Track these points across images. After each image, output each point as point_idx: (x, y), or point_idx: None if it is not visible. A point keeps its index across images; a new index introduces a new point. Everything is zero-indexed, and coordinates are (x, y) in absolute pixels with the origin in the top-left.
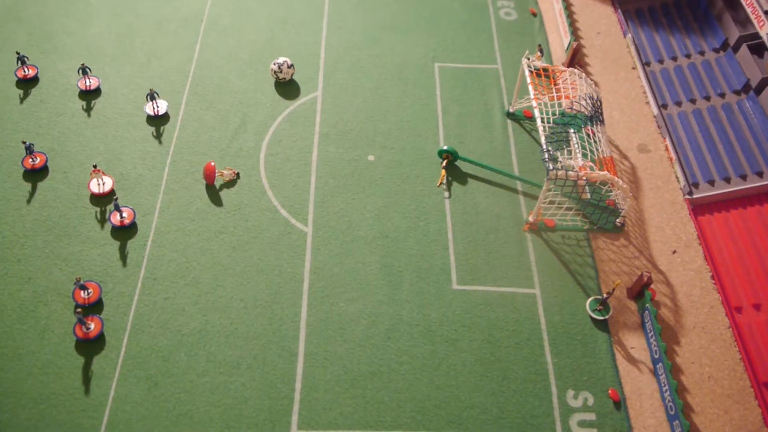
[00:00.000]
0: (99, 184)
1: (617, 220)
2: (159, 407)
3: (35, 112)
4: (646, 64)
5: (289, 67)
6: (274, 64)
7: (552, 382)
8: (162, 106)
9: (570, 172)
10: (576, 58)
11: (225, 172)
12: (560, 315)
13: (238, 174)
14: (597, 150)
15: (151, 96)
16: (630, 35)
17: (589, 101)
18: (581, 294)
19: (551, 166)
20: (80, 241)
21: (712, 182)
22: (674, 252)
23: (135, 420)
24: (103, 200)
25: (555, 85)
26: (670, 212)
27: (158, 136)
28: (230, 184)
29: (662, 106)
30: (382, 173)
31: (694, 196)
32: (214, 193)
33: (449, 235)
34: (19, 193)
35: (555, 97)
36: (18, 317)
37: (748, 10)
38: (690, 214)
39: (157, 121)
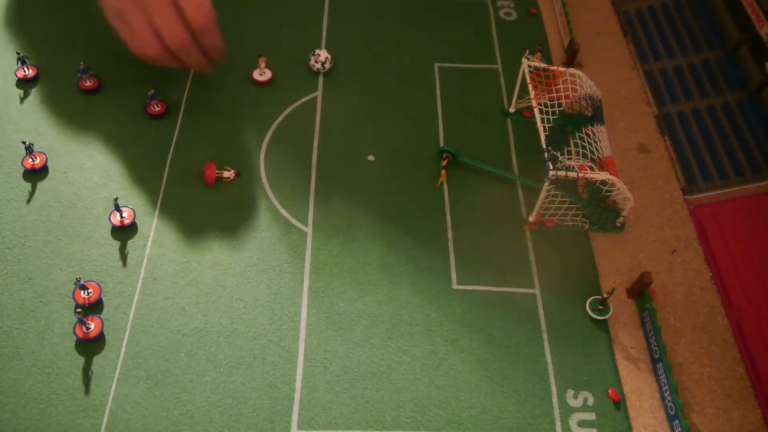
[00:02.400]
0: (260, 74)
1: (617, 220)
2: (159, 407)
3: (35, 112)
4: (645, 64)
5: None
6: (316, 61)
7: (552, 382)
8: (162, 107)
9: (570, 172)
10: (576, 58)
11: (225, 172)
12: (560, 315)
13: (238, 174)
14: (597, 150)
15: (151, 96)
16: (630, 35)
17: (589, 101)
18: (581, 294)
19: (551, 166)
20: (80, 241)
21: (711, 182)
22: (674, 252)
23: (135, 420)
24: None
25: (555, 85)
26: (670, 212)
27: (158, 136)
28: (230, 184)
29: (662, 106)
30: (382, 173)
31: (694, 196)
32: (214, 193)
33: (449, 235)
34: (19, 193)
35: (555, 97)
36: (18, 317)
37: (748, 10)
38: (690, 214)
39: (157, 121)
